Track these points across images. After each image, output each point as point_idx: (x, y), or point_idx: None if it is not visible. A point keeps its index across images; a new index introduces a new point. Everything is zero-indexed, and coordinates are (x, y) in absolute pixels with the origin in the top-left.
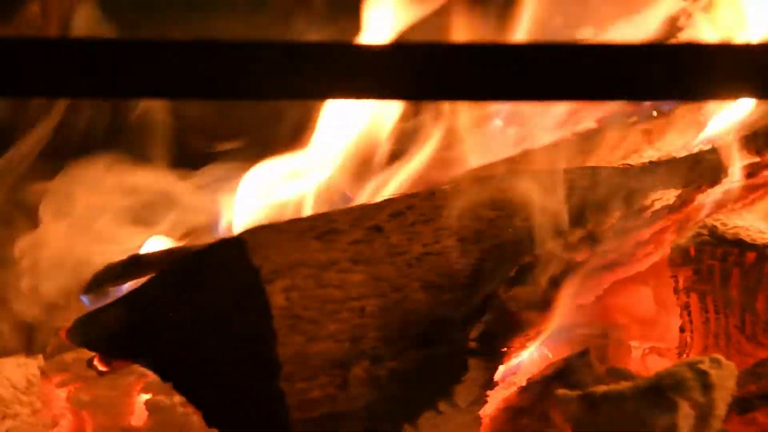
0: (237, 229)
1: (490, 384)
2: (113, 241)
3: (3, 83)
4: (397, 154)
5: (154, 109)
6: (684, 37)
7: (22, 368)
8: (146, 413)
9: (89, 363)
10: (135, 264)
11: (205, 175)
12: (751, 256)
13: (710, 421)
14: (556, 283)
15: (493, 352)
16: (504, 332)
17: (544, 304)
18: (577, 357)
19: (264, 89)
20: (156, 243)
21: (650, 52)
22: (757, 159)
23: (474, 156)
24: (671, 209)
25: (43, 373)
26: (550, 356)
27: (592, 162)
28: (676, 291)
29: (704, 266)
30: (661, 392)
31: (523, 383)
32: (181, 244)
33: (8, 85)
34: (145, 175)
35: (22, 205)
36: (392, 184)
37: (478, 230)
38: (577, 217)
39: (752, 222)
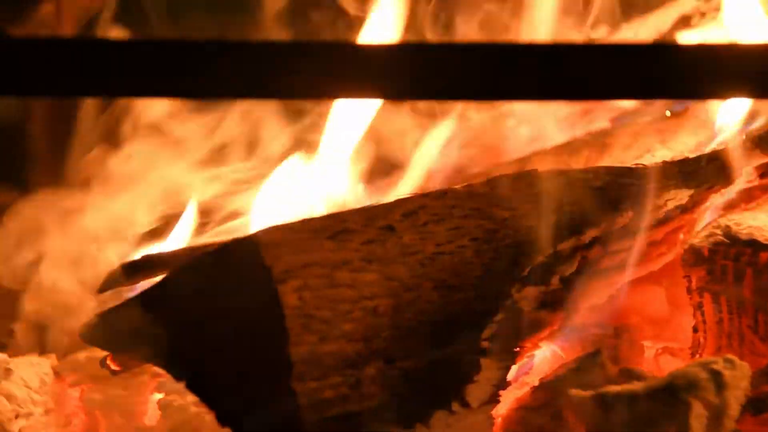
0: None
1: (503, 384)
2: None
3: (4, 83)
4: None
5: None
6: (696, 36)
7: (35, 367)
8: (159, 413)
9: (102, 362)
10: (148, 263)
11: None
12: (764, 256)
13: (724, 421)
14: (568, 283)
15: (506, 352)
16: (517, 332)
17: (557, 304)
18: (589, 357)
19: (267, 88)
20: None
21: (662, 51)
22: None
23: (488, 155)
24: (684, 209)
25: (56, 372)
26: (563, 356)
27: (605, 162)
28: (689, 291)
29: (717, 266)
30: (674, 392)
31: (536, 383)
32: (194, 243)
33: (9, 85)
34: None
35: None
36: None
37: (491, 230)
38: (591, 217)
39: (766, 222)
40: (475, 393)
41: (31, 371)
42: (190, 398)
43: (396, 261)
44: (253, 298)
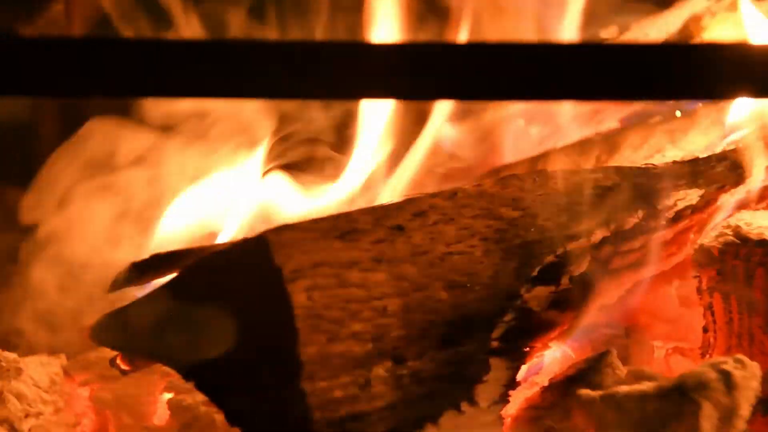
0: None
1: (513, 384)
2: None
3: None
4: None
5: None
6: (708, 36)
7: (45, 367)
8: (169, 412)
9: (112, 362)
10: (158, 263)
11: None
12: None
13: (734, 421)
14: (578, 283)
15: (516, 352)
16: (526, 332)
17: (567, 304)
18: (599, 357)
19: (275, 88)
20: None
21: (672, 51)
22: None
23: (497, 155)
24: (694, 209)
25: (66, 372)
26: (573, 356)
27: (615, 162)
28: (699, 291)
29: (728, 266)
30: (684, 393)
31: (546, 383)
32: (204, 243)
33: (11, 84)
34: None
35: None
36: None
37: (501, 230)
38: (601, 217)
39: None
40: (485, 393)
41: (41, 371)
42: (200, 398)
43: (406, 261)
44: (263, 297)
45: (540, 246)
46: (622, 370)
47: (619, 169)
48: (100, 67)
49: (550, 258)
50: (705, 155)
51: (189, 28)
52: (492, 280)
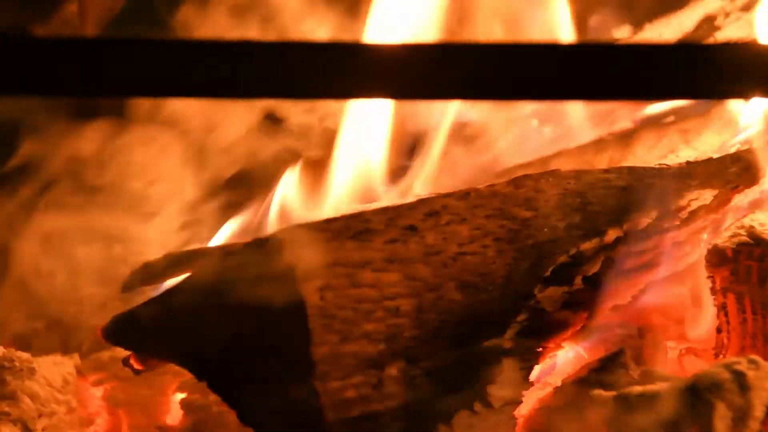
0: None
1: (525, 384)
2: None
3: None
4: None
5: None
6: (722, 36)
7: (58, 367)
8: (181, 412)
9: (125, 362)
10: (171, 263)
11: None
12: None
13: (748, 422)
14: (591, 283)
15: (529, 352)
16: (539, 332)
17: (580, 305)
18: (612, 357)
19: (277, 88)
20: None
21: (686, 51)
22: None
23: (509, 156)
24: (708, 209)
25: (79, 371)
26: (586, 357)
27: (628, 162)
28: (713, 292)
29: (741, 267)
30: (697, 393)
31: (559, 383)
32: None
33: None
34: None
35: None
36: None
37: (514, 230)
38: (614, 217)
39: None
40: (498, 393)
41: (55, 370)
42: (212, 397)
43: (418, 261)
44: (276, 297)
45: (553, 246)
46: (636, 371)
47: (632, 170)
48: (112, 67)
49: (563, 258)
50: (719, 155)
51: None
52: (505, 281)
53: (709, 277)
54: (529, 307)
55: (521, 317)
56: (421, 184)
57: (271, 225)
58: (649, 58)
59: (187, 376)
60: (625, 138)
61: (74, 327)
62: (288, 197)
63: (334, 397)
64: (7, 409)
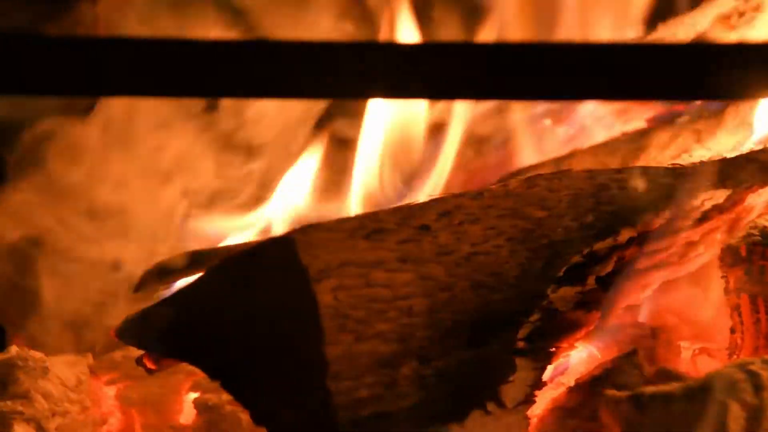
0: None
1: (539, 384)
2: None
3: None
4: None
5: None
6: (735, 36)
7: (71, 366)
8: (195, 412)
9: (138, 361)
10: (184, 262)
11: None
12: None
13: (762, 422)
14: (605, 283)
15: (542, 352)
16: (552, 332)
17: (593, 305)
18: (626, 357)
19: (296, 88)
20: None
21: (700, 51)
22: None
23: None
24: (722, 209)
25: (93, 371)
26: (599, 356)
27: (642, 162)
28: (726, 292)
29: (755, 267)
30: (711, 393)
31: (572, 383)
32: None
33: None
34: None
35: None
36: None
37: (527, 230)
38: (628, 217)
39: None
40: (511, 393)
41: (68, 370)
42: (225, 397)
43: (431, 261)
44: (289, 297)
45: (566, 246)
46: (649, 371)
47: (645, 169)
48: (126, 66)
49: (576, 258)
50: (732, 155)
51: None
52: (518, 280)
53: (722, 277)
54: (542, 307)
55: (534, 317)
56: (433, 184)
57: (283, 224)
58: (663, 58)
59: (200, 375)
60: (639, 138)
61: (87, 326)
62: (300, 196)
63: (347, 397)
64: (20, 408)
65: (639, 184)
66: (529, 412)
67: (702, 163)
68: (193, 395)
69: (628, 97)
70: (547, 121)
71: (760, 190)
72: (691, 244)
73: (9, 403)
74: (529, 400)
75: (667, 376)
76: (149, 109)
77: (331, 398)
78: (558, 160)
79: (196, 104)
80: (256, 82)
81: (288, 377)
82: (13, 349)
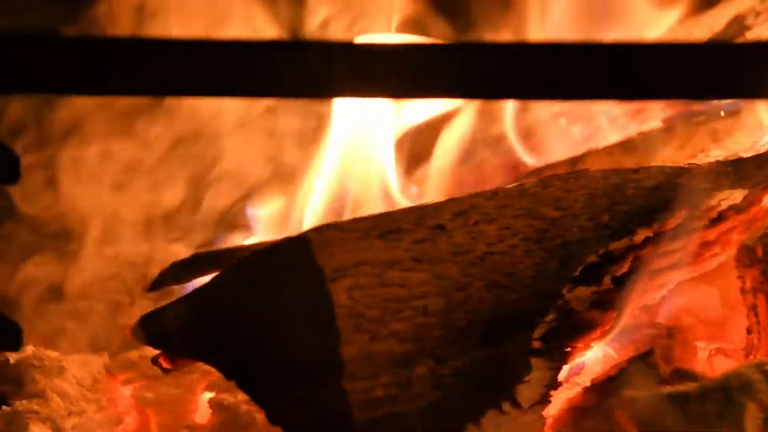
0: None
1: (554, 384)
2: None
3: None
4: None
5: None
6: (752, 35)
7: (87, 366)
8: (210, 411)
9: (154, 361)
10: (200, 262)
11: None
12: None
13: None
14: (620, 283)
15: (557, 352)
16: (568, 332)
17: (609, 304)
18: (641, 357)
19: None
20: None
21: (716, 50)
22: None
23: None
24: (738, 209)
25: (109, 370)
26: (615, 356)
27: (658, 161)
28: (743, 292)
29: None
30: (727, 393)
31: (588, 383)
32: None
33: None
34: None
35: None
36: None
37: (542, 230)
38: (643, 217)
39: None
40: (526, 393)
41: (84, 369)
42: (241, 396)
43: (447, 260)
44: (304, 296)
45: (581, 246)
46: (665, 371)
47: (661, 169)
48: (141, 66)
49: (591, 258)
50: (749, 155)
51: None
52: (533, 280)
53: (739, 277)
54: (558, 307)
55: (550, 317)
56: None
57: (301, 224)
58: (679, 58)
59: (216, 375)
60: (655, 137)
61: (103, 326)
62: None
63: (362, 397)
64: (36, 407)
65: (655, 184)
66: (545, 412)
67: (718, 162)
68: (209, 395)
69: (644, 97)
70: (563, 121)
71: None
72: (707, 244)
73: (25, 402)
74: (544, 400)
75: (684, 376)
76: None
77: (347, 398)
78: (573, 160)
79: None
80: (259, 81)
81: (303, 376)
82: (29, 349)
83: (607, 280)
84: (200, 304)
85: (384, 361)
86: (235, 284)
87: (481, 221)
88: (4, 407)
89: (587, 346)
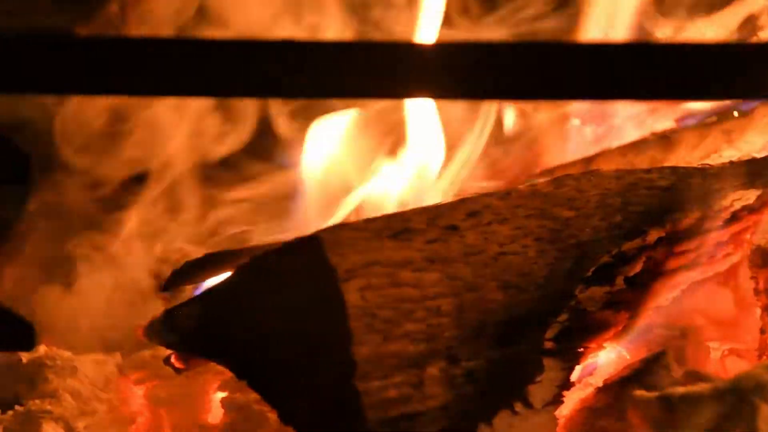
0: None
1: (567, 384)
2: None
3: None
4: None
5: None
6: (764, 36)
7: (100, 366)
8: (222, 411)
9: (166, 360)
10: (212, 262)
11: None
12: None
13: None
14: (633, 283)
15: (570, 353)
16: (581, 332)
17: (621, 305)
18: (654, 358)
19: (323, 88)
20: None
21: (729, 51)
22: None
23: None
24: (751, 210)
25: (121, 370)
26: (628, 357)
27: (670, 162)
28: (756, 292)
29: None
30: (740, 394)
31: (600, 384)
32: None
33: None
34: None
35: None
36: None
37: (555, 230)
38: (656, 217)
39: None
40: (539, 393)
41: (96, 369)
42: (253, 396)
43: (459, 261)
44: (317, 296)
45: (594, 246)
46: (678, 372)
47: (674, 170)
48: (154, 66)
49: (604, 258)
50: (762, 155)
51: None
52: (546, 281)
53: (752, 277)
54: (571, 307)
55: (562, 317)
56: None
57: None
58: (691, 58)
59: (228, 374)
60: (667, 138)
61: (116, 325)
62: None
63: (374, 397)
64: (49, 407)
65: (668, 184)
66: (557, 413)
67: (731, 163)
68: (221, 394)
69: (657, 97)
70: (576, 121)
71: None
72: (720, 245)
73: (38, 402)
74: (557, 401)
75: (697, 377)
76: None
77: (359, 398)
78: (586, 160)
79: None
80: (261, 81)
81: (316, 377)
82: (42, 349)
83: (620, 281)
84: (212, 304)
85: (397, 361)
86: (248, 284)
87: (494, 221)
88: (16, 407)
89: (600, 347)
